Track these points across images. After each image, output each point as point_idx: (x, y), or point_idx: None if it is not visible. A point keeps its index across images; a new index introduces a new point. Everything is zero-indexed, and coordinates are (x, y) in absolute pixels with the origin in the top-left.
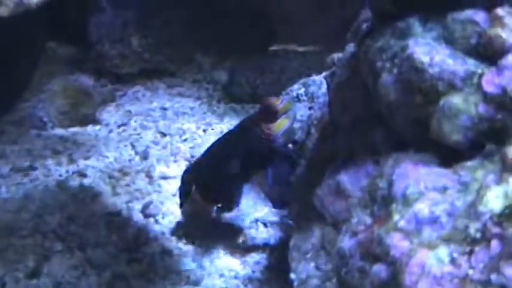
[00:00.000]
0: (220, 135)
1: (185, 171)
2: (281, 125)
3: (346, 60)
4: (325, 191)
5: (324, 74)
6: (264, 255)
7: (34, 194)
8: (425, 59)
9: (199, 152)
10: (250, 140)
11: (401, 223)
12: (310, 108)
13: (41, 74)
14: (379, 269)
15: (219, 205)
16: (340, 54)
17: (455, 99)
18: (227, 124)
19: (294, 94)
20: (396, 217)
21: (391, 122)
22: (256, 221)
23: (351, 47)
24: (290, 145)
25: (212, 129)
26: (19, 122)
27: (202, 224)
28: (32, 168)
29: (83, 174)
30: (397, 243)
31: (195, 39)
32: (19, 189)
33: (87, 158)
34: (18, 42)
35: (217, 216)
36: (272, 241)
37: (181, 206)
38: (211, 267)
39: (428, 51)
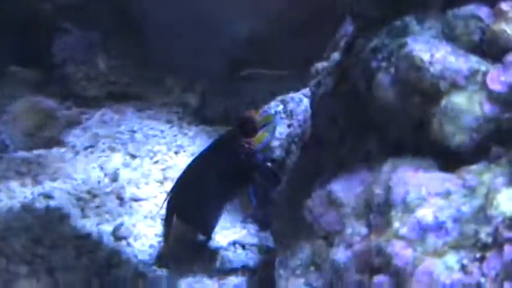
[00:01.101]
0: (195, 155)
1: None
2: (261, 138)
3: (332, 69)
4: (316, 201)
5: (301, 91)
6: (244, 279)
7: None
8: (426, 57)
9: (172, 173)
10: (229, 156)
11: (403, 231)
12: (289, 126)
13: (2, 97)
14: (381, 280)
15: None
16: (324, 63)
17: (459, 99)
18: (199, 146)
19: (272, 111)
20: (396, 225)
21: (386, 127)
22: (234, 243)
23: (335, 56)
24: (269, 163)
25: (184, 151)
26: None
27: (182, 249)
28: None
29: (49, 196)
30: (400, 251)
31: (163, 61)
32: None
33: (53, 180)
34: None
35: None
36: (251, 264)
37: (165, 235)
38: None
39: (429, 48)
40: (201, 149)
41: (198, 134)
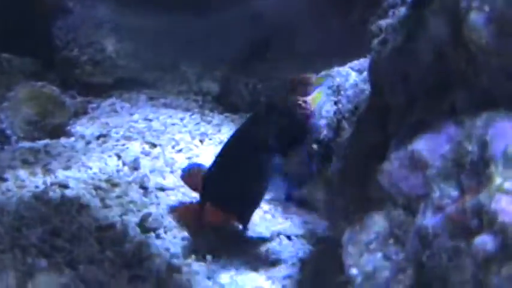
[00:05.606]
0: (223, 142)
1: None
2: (317, 99)
3: (402, 22)
4: (395, 164)
5: (348, 65)
6: (295, 269)
7: (7, 206)
8: None
9: (199, 162)
10: (283, 118)
11: (507, 185)
12: (335, 103)
13: None
14: (484, 240)
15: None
16: (388, 20)
17: None
18: (226, 134)
19: (323, 74)
20: (499, 180)
21: (476, 77)
22: (279, 234)
23: (402, 11)
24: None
25: (210, 139)
26: None
27: (219, 240)
28: (2, 179)
29: (63, 186)
30: (507, 206)
31: (178, 45)
32: None
33: (66, 169)
34: None
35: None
36: (301, 254)
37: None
38: (232, 285)
39: None
40: (228, 137)
41: (224, 121)
